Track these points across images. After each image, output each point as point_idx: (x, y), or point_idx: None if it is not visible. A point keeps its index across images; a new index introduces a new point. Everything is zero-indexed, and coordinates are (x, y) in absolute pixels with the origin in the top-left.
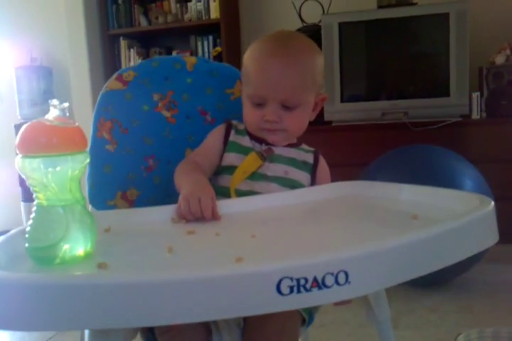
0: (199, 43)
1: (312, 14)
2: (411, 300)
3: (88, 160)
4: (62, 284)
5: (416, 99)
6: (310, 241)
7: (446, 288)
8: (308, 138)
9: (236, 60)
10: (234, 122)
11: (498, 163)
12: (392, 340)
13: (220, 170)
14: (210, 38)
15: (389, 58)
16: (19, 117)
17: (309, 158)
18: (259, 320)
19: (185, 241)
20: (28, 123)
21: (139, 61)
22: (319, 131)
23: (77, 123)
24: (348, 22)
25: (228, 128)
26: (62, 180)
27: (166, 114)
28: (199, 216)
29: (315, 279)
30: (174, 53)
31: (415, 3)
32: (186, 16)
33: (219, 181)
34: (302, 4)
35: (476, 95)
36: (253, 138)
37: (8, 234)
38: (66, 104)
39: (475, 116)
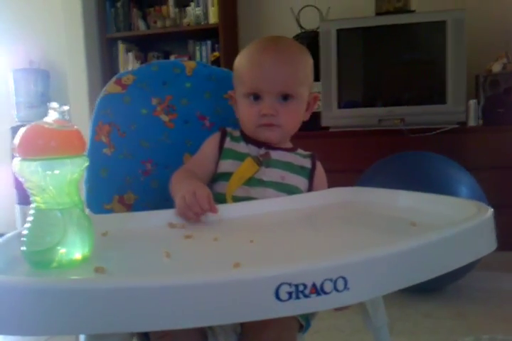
0: (197, 48)
1: (310, 20)
2: (406, 306)
3: (87, 164)
4: (58, 288)
5: (413, 105)
6: (308, 246)
7: (441, 295)
8: (305, 143)
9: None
10: (229, 129)
11: (494, 170)
12: None
13: (216, 177)
14: (209, 42)
15: (386, 65)
16: (16, 119)
17: (307, 163)
18: (256, 325)
19: (182, 245)
20: (27, 126)
21: (137, 65)
22: (316, 136)
23: (75, 127)
24: (346, 28)
25: (223, 136)
26: (61, 183)
27: (165, 118)
28: (196, 209)
29: (314, 285)
30: (172, 58)
31: (413, 11)
32: (185, 21)
33: (215, 188)
34: (300, 10)
35: (472, 102)
36: (250, 142)
37: (5, 237)
38: (66, 107)
39: (471, 123)
